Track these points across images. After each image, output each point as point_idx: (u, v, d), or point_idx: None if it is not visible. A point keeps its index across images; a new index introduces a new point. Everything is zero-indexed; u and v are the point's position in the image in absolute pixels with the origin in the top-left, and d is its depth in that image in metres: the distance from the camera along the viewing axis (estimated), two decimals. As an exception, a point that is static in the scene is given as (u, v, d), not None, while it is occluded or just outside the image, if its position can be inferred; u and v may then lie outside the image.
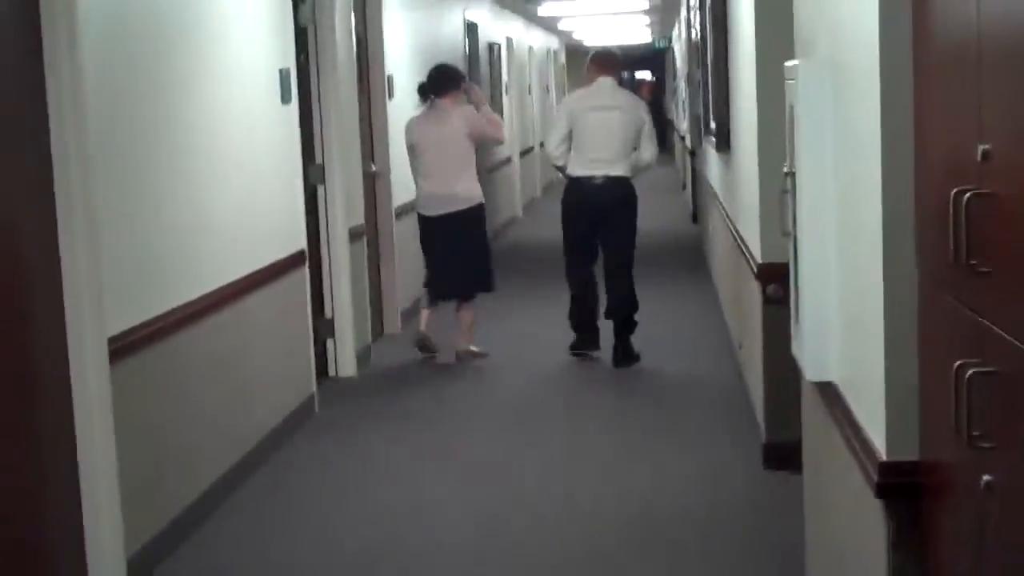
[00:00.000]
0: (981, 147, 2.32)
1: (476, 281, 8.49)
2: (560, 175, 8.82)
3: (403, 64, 10.24)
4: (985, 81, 2.34)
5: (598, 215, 8.25)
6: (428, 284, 8.60)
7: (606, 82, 8.35)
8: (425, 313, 8.55)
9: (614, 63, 8.54)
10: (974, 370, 2.35)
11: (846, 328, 3.51)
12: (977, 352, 2.38)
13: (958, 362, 2.41)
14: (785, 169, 3.99)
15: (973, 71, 2.39)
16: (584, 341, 8.46)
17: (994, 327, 2.29)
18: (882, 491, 2.95)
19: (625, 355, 8.21)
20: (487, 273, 8.55)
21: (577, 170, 8.25)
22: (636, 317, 8.33)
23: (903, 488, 2.91)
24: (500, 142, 9.09)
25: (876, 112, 2.97)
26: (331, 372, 8.05)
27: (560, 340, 8.62)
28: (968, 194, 2.34)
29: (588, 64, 8.54)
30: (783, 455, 5.70)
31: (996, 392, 2.29)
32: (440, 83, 8.50)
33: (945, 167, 2.63)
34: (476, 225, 8.47)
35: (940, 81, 2.71)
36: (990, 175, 2.30)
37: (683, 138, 19.24)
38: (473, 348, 8.55)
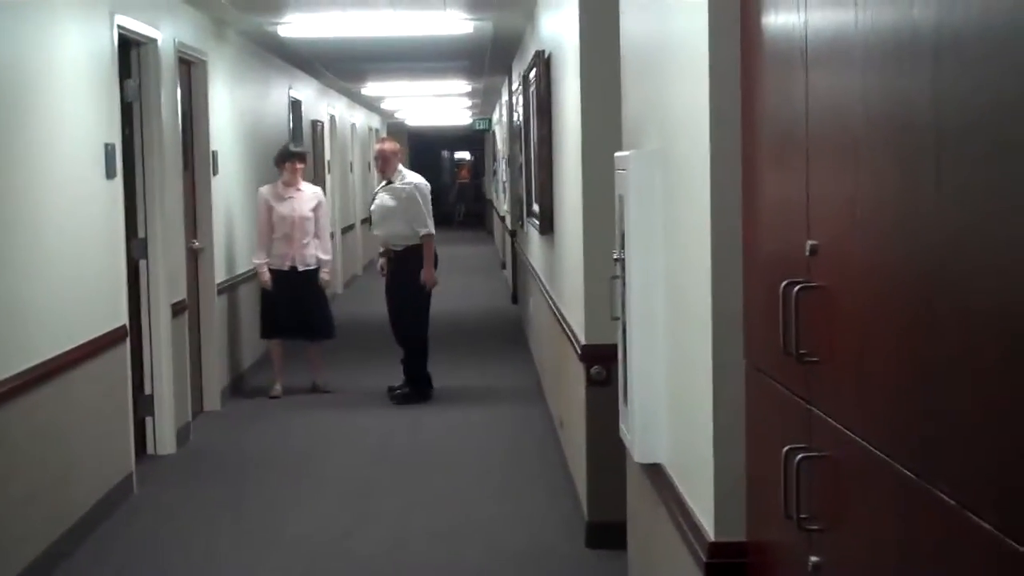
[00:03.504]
0: (810, 242, 2.44)
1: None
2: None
3: (228, 140, 10.20)
4: (813, 178, 2.47)
5: None
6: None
7: None
8: None
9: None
10: (802, 455, 2.46)
11: (674, 412, 3.61)
12: (805, 438, 2.49)
13: (787, 447, 2.51)
14: (615, 255, 4.10)
15: (801, 165, 2.52)
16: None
17: (822, 414, 2.40)
18: (711, 571, 3.04)
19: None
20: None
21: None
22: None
23: (731, 569, 3.01)
24: None
25: (706, 203, 3.09)
26: (150, 450, 7.90)
27: (387, 420, 8.59)
28: (797, 287, 2.46)
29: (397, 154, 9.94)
30: (607, 535, 5.79)
31: (823, 476, 2.40)
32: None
33: (774, 259, 2.75)
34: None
35: (769, 176, 2.84)
36: (818, 268, 2.42)
37: (503, 218, 19.47)
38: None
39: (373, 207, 9.88)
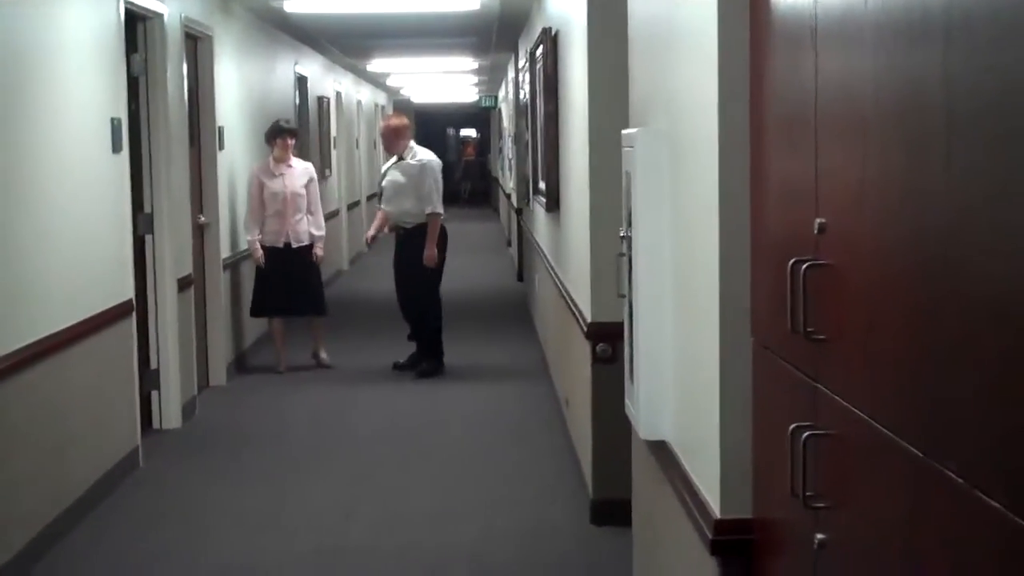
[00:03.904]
0: (818, 220, 2.44)
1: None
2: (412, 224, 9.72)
3: (234, 115, 10.20)
4: (821, 155, 2.47)
5: None
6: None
7: None
8: None
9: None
10: (808, 433, 2.46)
11: (680, 389, 3.62)
12: (811, 416, 2.50)
13: (793, 425, 2.52)
14: (621, 233, 4.10)
15: (810, 145, 2.52)
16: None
17: (829, 391, 2.40)
18: (716, 548, 3.06)
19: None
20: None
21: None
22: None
23: (737, 545, 3.02)
24: None
25: (714, 181, 3.09)
26: (155, 424, 7.92)
27: (392, 397, 8.62)
28: (805, 265, 2.46)
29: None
30: (611, 511, 5.81)
31: (830, 454, 2.41)
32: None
33: (782, 237, 2.76)
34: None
35: (776, 153, 2.84)
36: (826, 247, 2.42)
37: (509, 196, 19.46)
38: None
39: (384, 183, 9.84)
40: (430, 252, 9.56)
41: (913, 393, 2.00)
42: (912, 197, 2.00)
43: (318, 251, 10.00)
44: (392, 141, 9.85)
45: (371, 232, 10.31)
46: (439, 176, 9.80)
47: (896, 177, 2.07)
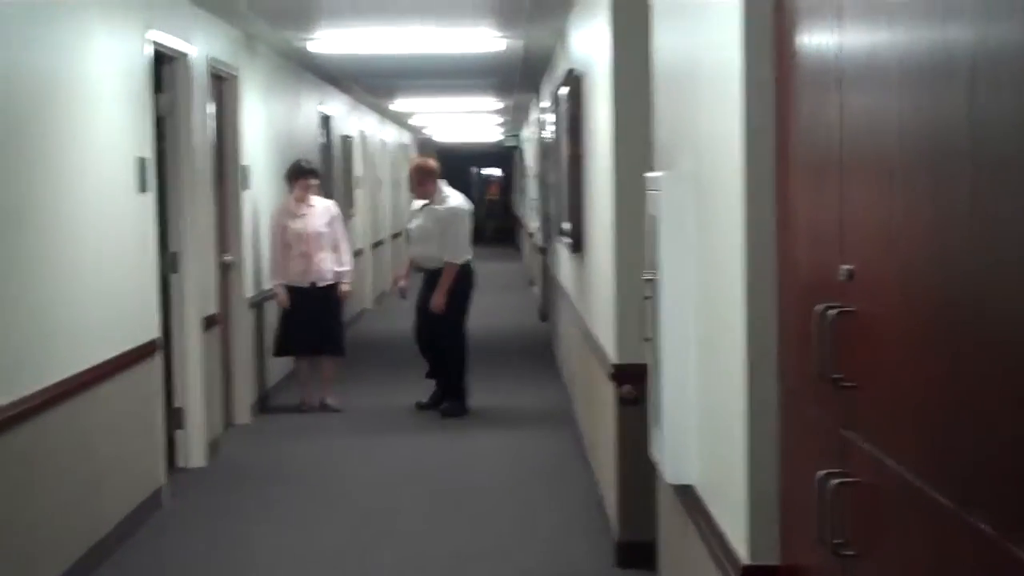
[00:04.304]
0: (844, 267, 2.43)
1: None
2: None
3: (259, 154, 10.24)
4: (847, 199, 2.45)
5: None
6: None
7: None
8: None
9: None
10: (837, 480, 2.44)
11: (706, 433, 3.60)
12: (840, 463, 2.47)
13: (822, 472, 2.50)
14: (646, 276, 4.09)
15: (835, 188, 2.51)
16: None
17: (857, 439, 2.38)
18: (743, 595, 3.03)
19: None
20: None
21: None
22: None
23: (764, 592, 2.99)
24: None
25: (739, 224, 3.08)
26: (179, 463, 7.92)
27: (415, 438, 8.60)
28: (832, 311, 2.45)
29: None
30: (636, 554, 5.78)
31: (859, 501, 2.38)
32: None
33: (808, 283, 2.74)
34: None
35: (802, 196, 2.83)
36: (853, 293, 2.40)
37: (532, 235, 19.47)
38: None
39: (412, 227, 9.85)
40: (437, 299, 9.56)
41: (943, 442, 1.97)
42: (940, 242, 1.98)
43: (344, 287, 9.94)
44: (419, 185, 9.82)
45: (402, 283, 10.27)
46: (467, 222, 9.77)
47: (923, 221, 2.06)
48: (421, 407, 9.88)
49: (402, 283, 10.29)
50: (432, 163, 10.02)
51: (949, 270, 1.94)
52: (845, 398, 2.44)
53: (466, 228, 9.76)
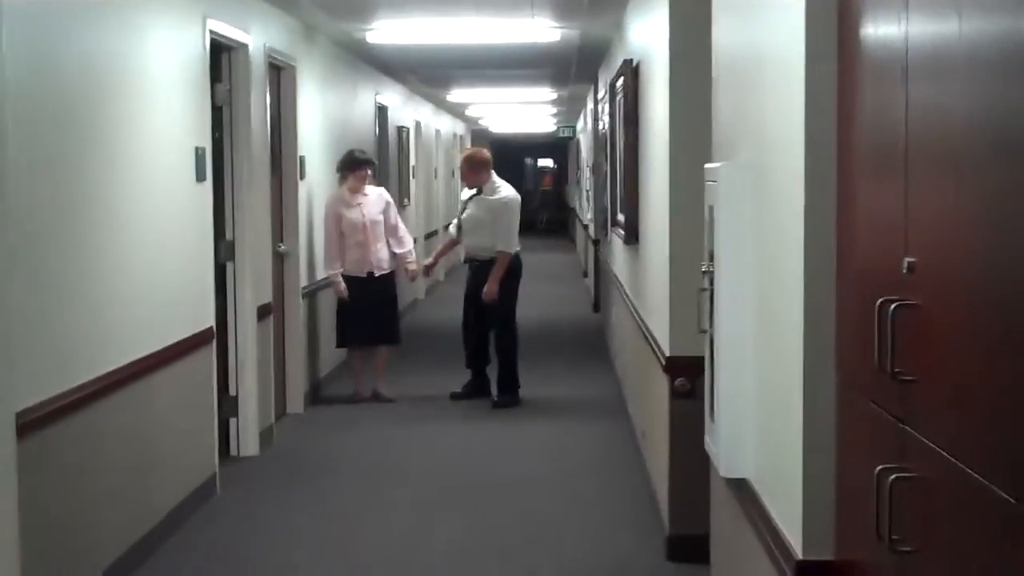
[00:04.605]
0: (907, 260, 2.40)
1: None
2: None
3: (315, 145, 10.28)
4: (912, 194, 2.42)
5: None
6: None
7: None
8: None
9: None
10: (896, 475, 2.41)
11: (762, 427, 3.57)
12: (898, 457, 2.45)
13: (880, 466, 2.47)
14: (703, 268, 4.07)
15: (899, 181, 2.48)
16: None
17: (917, 434, 2.35)
18: (798, 589, 3.00)
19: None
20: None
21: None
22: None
23: (819, 587, 2.96)
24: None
25: (799, 217, 3.05)
26: (233, 451, 7.97)
27: (467, 428, 8.62)
28: (894, 305, 2.42)
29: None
30: (688, 548, 5.75)
31: (917, 497, 2.36)
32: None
33: (869, 276, 2.71)
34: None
35: (864, 188, 2.80)
36: (916, 287, 2.37)
37: (586, 227, 19.44)
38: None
39: (464, 217, 9.89)
40: (491, 288, 9.61)
41: (1005, 437, 1.95)
42: (1005, 235, 1.95)
43: (411, 266, 10.18)
44: (470, 175, 9.88)
45: (430, 260, 10.76)
46: (518, 213, 9.85)
47: (990, 214, 2.03)
48: (456, 397, 9.95)
49: (429, 260, 10.79)
50: (486, 153, 10.09)
51: (1014, 264, 1.92)
52: (905, 392, 2.41)
53: (517, 218, 9.81)
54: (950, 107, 2.22)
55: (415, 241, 16.48)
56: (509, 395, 9.77)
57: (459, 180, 22.98)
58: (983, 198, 2.06)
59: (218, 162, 7.61)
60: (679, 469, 5.90)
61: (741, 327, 3.69)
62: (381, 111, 14.33)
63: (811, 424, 3.01)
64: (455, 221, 10.20)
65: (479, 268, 9.81)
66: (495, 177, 9.92)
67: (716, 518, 4.52)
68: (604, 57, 12.56)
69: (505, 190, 9.86)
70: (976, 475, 2.05)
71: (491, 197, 9.78)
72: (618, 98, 9.26)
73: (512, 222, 9.73)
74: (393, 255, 9.99)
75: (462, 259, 10.13)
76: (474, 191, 9.90)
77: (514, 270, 9.78)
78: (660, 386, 6.29)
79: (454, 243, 10.44)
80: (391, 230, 9.98)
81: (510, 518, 6.78)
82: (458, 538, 6.41)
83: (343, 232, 9.78)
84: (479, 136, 29.02)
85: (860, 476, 2.67)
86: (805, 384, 3.02)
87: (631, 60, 8.24)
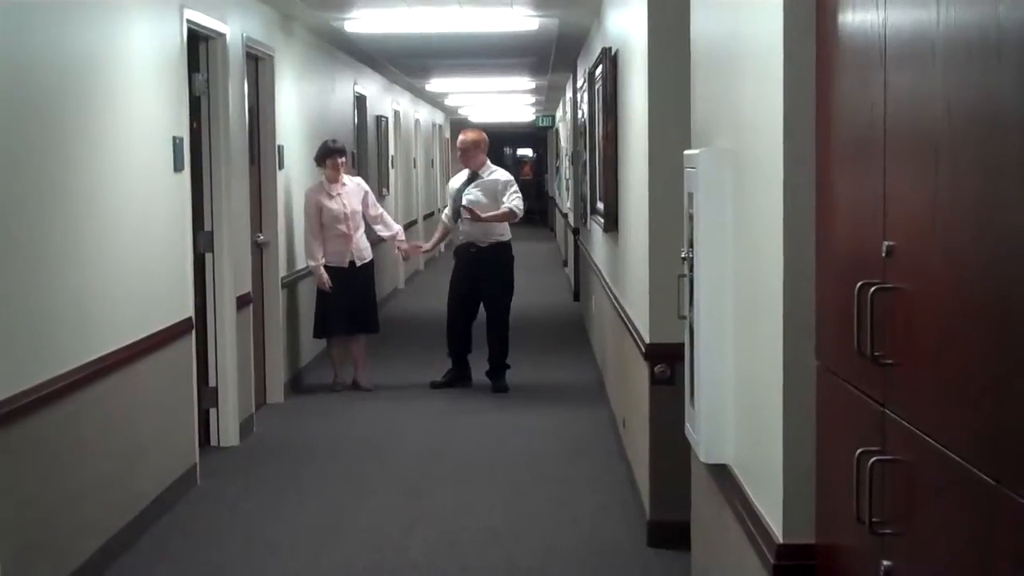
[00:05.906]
0: (886, 243, 2.41)
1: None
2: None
3: (294, 134, 10.26)
4: (890, 176, 2.43)
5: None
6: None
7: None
8: None
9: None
10: (876, 458, 2.42)
11: (742, 412, 3.58)
12: (878, 441, 2.46)
13: (860, 449, 2.48)
14: (682, 254, 4.08)
15: (878, 165, 2.49)
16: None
17: (897, 417, 2.36)
18: (778, 573, 3.02)
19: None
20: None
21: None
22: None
23: (800, 571, 2.98)
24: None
25: (778, 201, 3.06)
26: (213, 441, 7.96)
27: (447, 416, 8.62)
28: (873, 288, 2.43)
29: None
30: (669, 534, 5.77)
31: (897, 480, 2.37)
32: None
33: (848, 260, 2.72)
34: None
35: (843, 173, 2.81)
36: (895, 270, 2.38)
37: (566, 216, 19.44)
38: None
39: (468, 203, 9.81)
40: (478, 212, 9.65)
41: (984, 419, 1.96)
42: (985, 219, 1.96)
43: (403, 244, 10.44)
44: (474, 156, 9.98)
45: (428, 245, 10.88)
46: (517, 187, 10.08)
47: (969, 198, 2.04)
48: (436, 386, 10.00)
49: (427, 245, 10.99)
50: (483, 135, 10.20)
51: (992, 247, 1.92)
52: (885, 375, 2.42)
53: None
54: (928, 92, 2.23)
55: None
56: (504, 381, 9.91)
57: (438, 169, 22.73)
58: (961, 182, 2.07)
59: (196, 152, 7.59)
60: (659, 455, 5.92)
61: (721, 313, 3.70)
62: (360, 100, 14.30)
63: (791, 408, 3.02)
64: (447, 211, 10.21)
65: (477, 254, 9.82)
66: (488, 161, 10.11)
67: (697, 504, 4.53)
68: (583, 46, 12.55)
69: (500, 172, 10.07)
70: (957, 457, 2.06)
71: (491, 177, 9.93)
72: (597, 86, 9.26)
73: (519, 192, 9.95)
74: (379, 240, 10.17)
75: (455, 248, 10.15)
76: (466, 177, 9.97)
77: (510, 258, 9.97)
78: (640, 373, 6.30)
79: (448, 231, 10.41)
80: (376, 217, 10.08)
81: (490, 505, 6.78)
82: (439, 525, 6.41)
83: (323, 223, 9.77)
84: (458, 125, 28.98)
85: (840, 460, 2.68)
86: (785, 369, 3.03)
87: (610, 48, 8.24)
